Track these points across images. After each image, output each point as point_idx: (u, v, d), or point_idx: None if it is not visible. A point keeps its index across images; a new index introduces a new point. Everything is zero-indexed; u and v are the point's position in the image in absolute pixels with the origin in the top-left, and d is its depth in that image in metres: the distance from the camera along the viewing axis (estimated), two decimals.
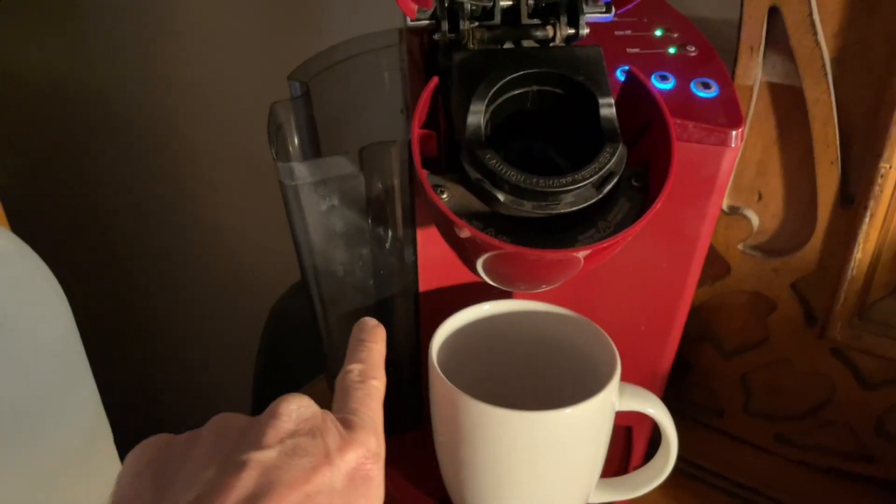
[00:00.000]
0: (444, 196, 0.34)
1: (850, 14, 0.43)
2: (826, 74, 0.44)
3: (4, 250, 0.38)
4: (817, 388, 0.53)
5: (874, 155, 0.44)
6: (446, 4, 0.36)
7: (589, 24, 0.37)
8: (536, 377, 0.47)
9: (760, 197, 0.50)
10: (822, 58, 0.44)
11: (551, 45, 0.37)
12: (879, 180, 0.44)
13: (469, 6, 0.36)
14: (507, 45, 0.37)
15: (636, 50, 0.42)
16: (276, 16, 0.80)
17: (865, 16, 0.42)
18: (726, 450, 0.58)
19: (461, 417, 0.39)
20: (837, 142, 0.45)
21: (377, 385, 0.31)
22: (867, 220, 0.46)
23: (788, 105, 0.47)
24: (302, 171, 0.39)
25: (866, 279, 0.48)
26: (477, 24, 0.36)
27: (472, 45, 0.36)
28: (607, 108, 0.34)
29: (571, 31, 0.36)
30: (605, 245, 0.33)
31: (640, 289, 0.45)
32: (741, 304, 0.54)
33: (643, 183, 0.35)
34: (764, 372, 0.55)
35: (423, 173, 0.34)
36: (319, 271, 0.43)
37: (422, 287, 0.45)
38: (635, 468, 0.46)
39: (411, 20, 0.36)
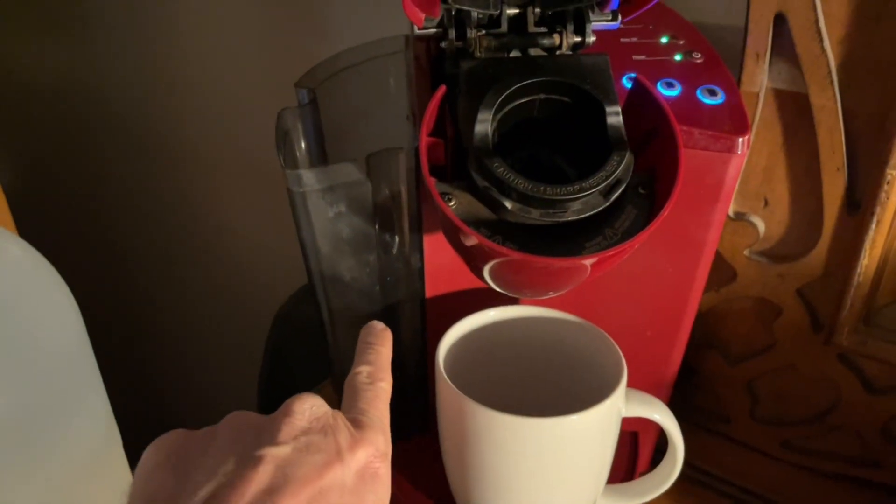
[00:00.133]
0: (452, 203, 0.34)
1: (856, 21, 0.43)
2: (832, 81, 0.44)
3: (18, 259, 0.38)
4: (823, 393, 0.53)
5: (880, 161, 0.44)
6: (453, 13, 0.36)
7: (595, 32, 0.37)
8: (543, 383, 0.47)
9: (766, 203, 0.50)
10: (828, 64, 0.44)
11: (558, 52, 0.37)
12: (886, 186, 0.44)
13: (476, 14, 0.36)
14: (514, 54, 0.37)
15: (642, 57, 0.42)
16: (282, 21, 0.80)
17: (871, 22, 0.42)
18: (733, 455, 0.58)
19: (468, 423, 0.39)
20: (843, 148, 0.45)
21: (385, 387, 0.32)
22: (873, 226, 0.46)
23: (794, 111, 0.47)
24: (310, 178, 0.39)
25: (872, 285, 0.48)
26: (484, 32, 0.37)
27: (478, 54, 0.36)
28: (614, 117, 0.34)
29: (578, 38, 0.37)
30: (612, 253, 0.33)
31: (646, 295, 0.45)
32: (747, 310, 0.54)
33: (650, 190, 0.35)
34: (770, 378, 0.55)
35: (432, 181, 0.34)
36: (326, 277, 0.44)
37: (428, 293, 0.46)
38: (642, 474, 0.46)
39: (418, 28, 0.36)
